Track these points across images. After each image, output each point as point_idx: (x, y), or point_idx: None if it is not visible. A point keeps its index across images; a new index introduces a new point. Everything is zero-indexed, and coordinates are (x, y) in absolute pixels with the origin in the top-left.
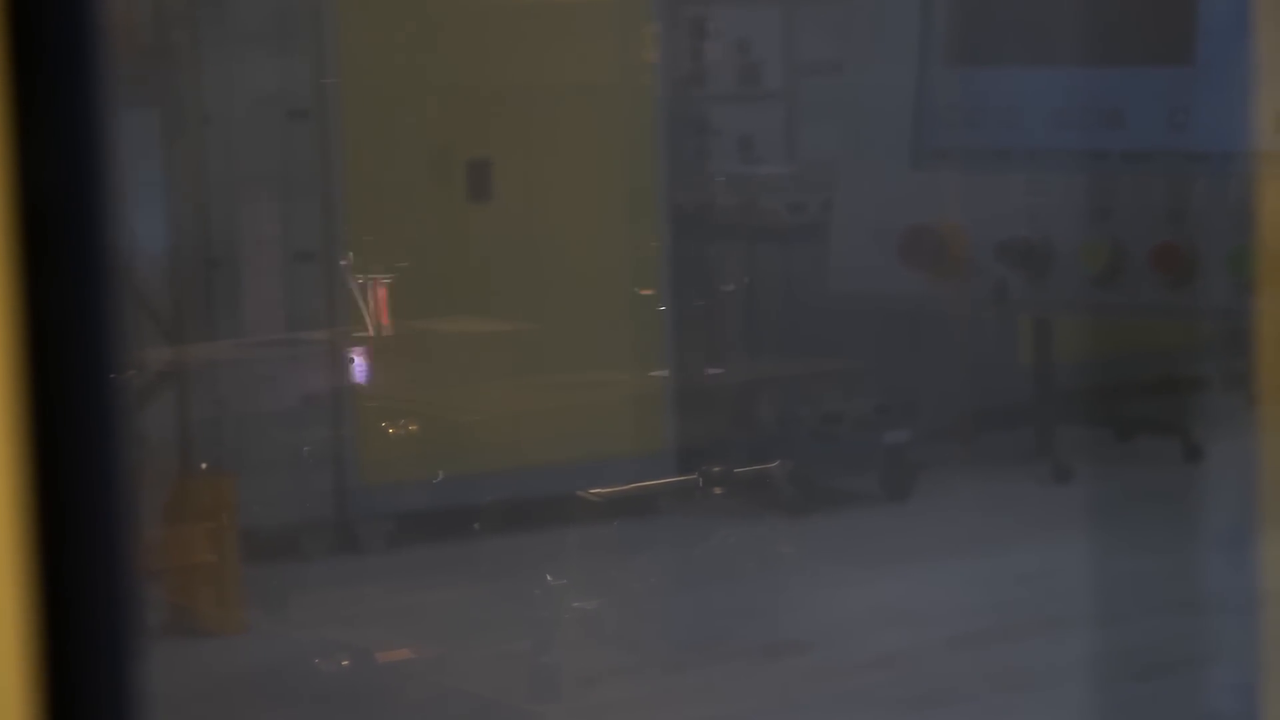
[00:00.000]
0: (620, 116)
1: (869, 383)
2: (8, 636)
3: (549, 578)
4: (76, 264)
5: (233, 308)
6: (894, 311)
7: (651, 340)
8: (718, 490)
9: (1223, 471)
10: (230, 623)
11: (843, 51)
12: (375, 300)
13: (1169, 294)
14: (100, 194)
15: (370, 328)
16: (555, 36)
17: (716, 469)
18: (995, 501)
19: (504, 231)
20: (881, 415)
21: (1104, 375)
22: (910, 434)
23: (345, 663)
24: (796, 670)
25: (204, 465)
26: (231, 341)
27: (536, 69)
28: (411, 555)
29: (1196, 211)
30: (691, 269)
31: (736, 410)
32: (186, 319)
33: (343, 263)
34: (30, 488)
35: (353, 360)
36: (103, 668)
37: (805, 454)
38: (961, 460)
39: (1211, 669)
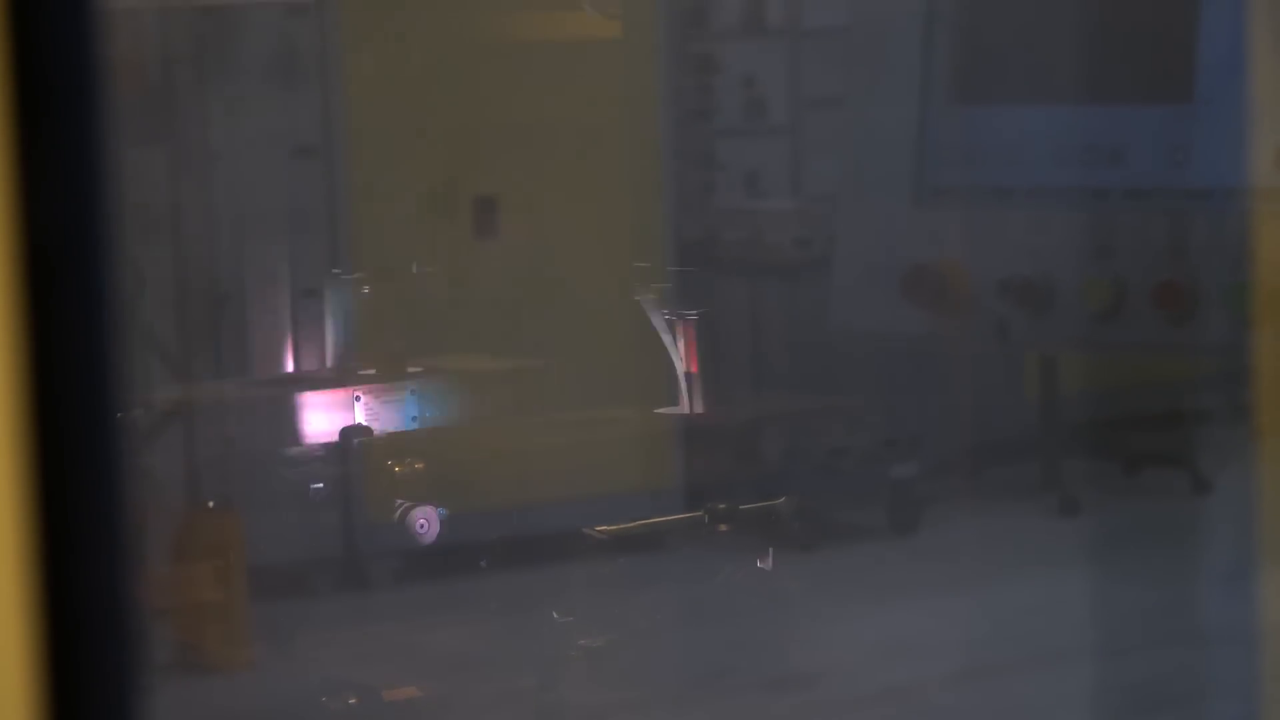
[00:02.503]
0: (626, 152)
1: (875, 418)
2: (15, 672)
3: (555, 614)
4: (81, 301)
5: (239, 344)
6: (898, 348)
7: (658, 377)
8: (724, 526)
9: (1229, 505)
10: (237, 660)
11: (846, 87)
12: (384, 337)
13: (1170, 330)
14: (104, 231)
15: (377, 364)
16: (561, 73)
17: (723, 505)
18: (1002, 535)
19: (510, 268)
20: (888, 450)
21: (1110, 409)
22: (917, 468)
23: (352, 700)
24: (804, 704)
25: (211, 502)
26: (238, 379)
27: (542, 105)
28: (418, 592)
29: (1197, 248)
30: (698, 304)
31: (743, 446)
32: (193, 356)
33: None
34: (36, 523)
35: (359, 398)
36: (109, 704)
37: (812, 489)
38: (968, 494)
39: (1217, 702)
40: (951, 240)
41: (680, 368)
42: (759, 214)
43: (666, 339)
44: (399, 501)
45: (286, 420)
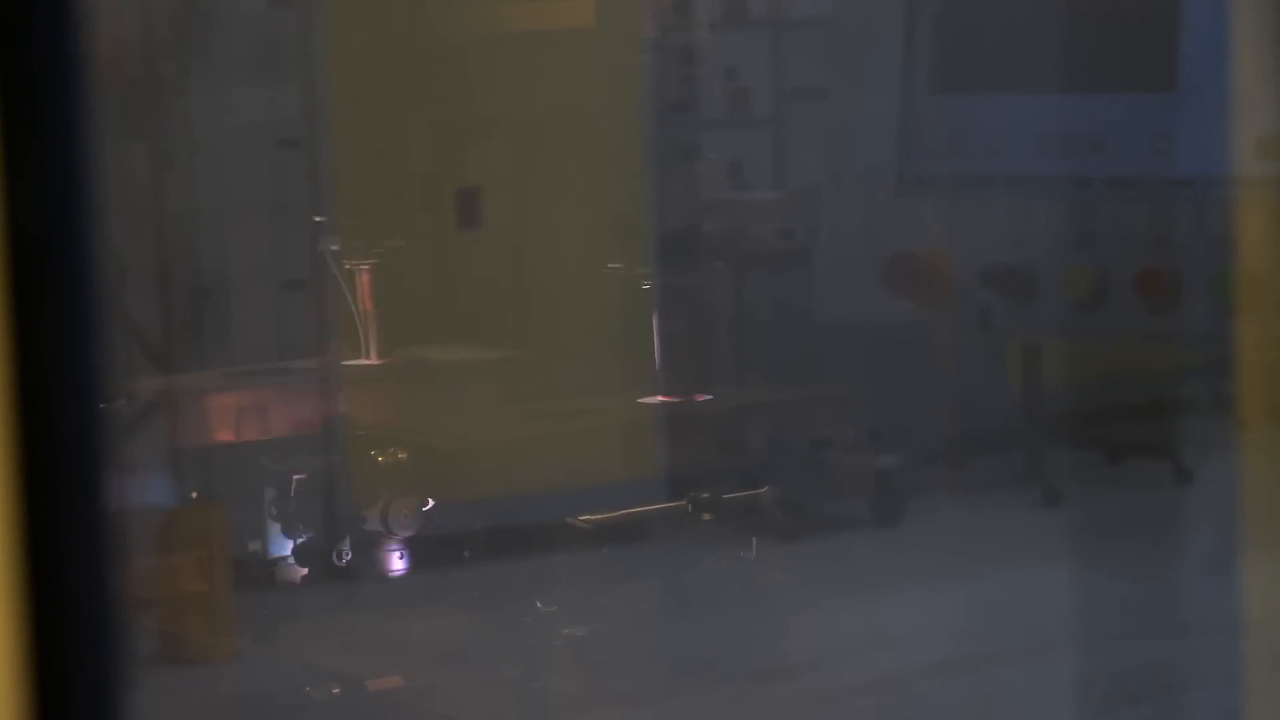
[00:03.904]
0: (609, 143)
1: (858, 408)
2: (0, 664)
3: (539, 604)
4: (65, 293)
5: (222, 336)
6: (882, 337)
7: (641, 367)
8: (707, 516)
9: (1212, 494)
10: (221, 651)
11: (829, 78)
12: (365, 328)
13: (1153, 319)
14: (88, 223)
15: (360, 355)
16: (543, 64)
17: (706, 495)
18: (985, 525)
19: (493, 259)
20: (871, 440)
21: (1092, 399)
22: (900, 459)
23: (336, 691)
24: (787, 695)
25: (194, 494)
26: (221, 370)
27: (525, 97)
28: (402, 583)
29: (1179, 237)
30: (681, 295)
31: (726, 436)
32: (176, 347)
33: (332, 290)
34: (19, 517)
35: (342, 388)
36: (94, 697)
37: (795, 479)
38: (951, 484)
39: (1200, 693)
40: (934, 229)
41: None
42: (742, 205)
43: (649, 313)
44: (382, 503)
45: (269, 411)
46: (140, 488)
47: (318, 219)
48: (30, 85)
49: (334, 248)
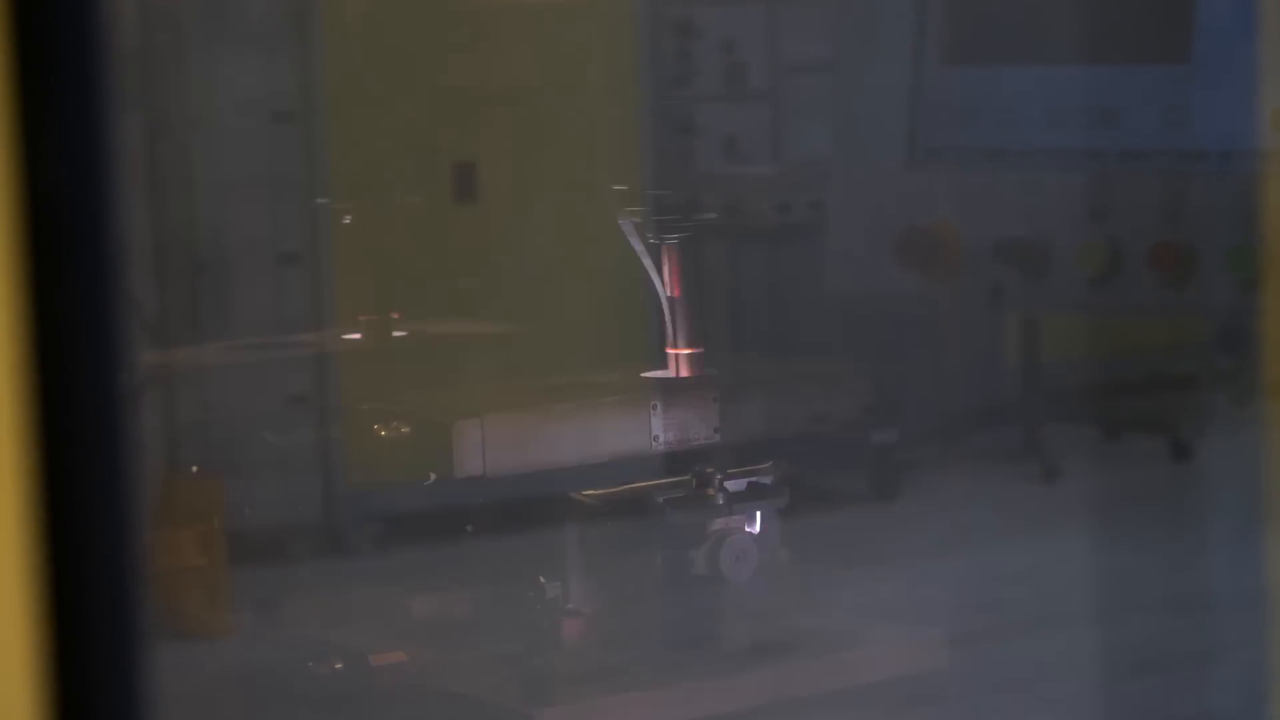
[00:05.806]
0: (605, 117)
1: (857, 382)
2: (17, 638)
3: (541, 580)
4: (84, 265)
5: (220, 310)
6: (888, 312)
7: (641, 341)
8: (710, 491)
9: (1212, 470)
10: (218, 625)
11: (835, 50)
12: (363, 301)
13: (1167, 293)
14: (107, 194)
15: (357, 329)
16: (539, 37)
17: (708, 470)
18: (984, 500)
19: (489, 233)
20: (869, 415)
21: (1092, 374)
22: (898, 433)
23: (337, 665)
24: (788, 670)
25: (192, 468)
26: (219, 344)
27: (521, 70)
28: (402, 558)
29: (1194, 210)
30: (679, 269)
31: (727, 411)
32: (173, 321)
33: (329, 264)
34: (38, 489)
35: (341, 362)
36: (112, 668)
37: (795, 454)
38: (950, 459)
39: (1200, 667)
40: (945, 202)
41: (663, 294)
42: (740, 179)
43: (649, 266)
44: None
45: (267, 385)
46: (138, 461)
47: (314, 192)
48: (48, 57)
49: (329, 221)
